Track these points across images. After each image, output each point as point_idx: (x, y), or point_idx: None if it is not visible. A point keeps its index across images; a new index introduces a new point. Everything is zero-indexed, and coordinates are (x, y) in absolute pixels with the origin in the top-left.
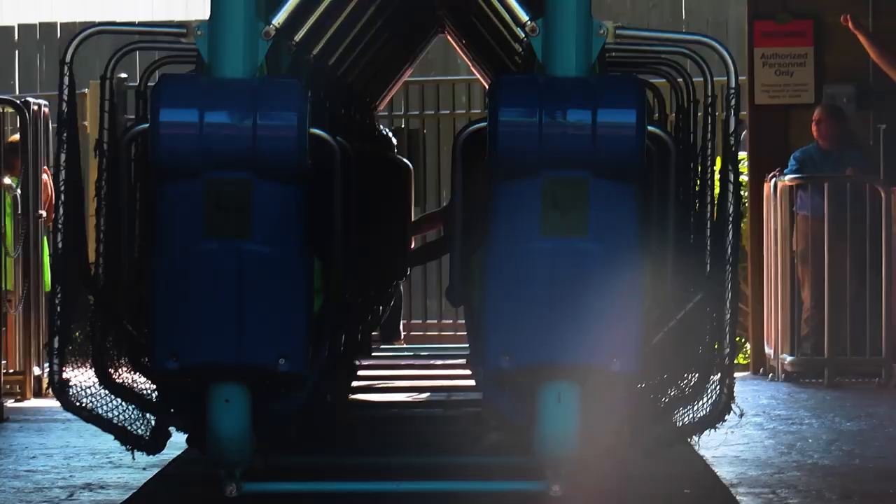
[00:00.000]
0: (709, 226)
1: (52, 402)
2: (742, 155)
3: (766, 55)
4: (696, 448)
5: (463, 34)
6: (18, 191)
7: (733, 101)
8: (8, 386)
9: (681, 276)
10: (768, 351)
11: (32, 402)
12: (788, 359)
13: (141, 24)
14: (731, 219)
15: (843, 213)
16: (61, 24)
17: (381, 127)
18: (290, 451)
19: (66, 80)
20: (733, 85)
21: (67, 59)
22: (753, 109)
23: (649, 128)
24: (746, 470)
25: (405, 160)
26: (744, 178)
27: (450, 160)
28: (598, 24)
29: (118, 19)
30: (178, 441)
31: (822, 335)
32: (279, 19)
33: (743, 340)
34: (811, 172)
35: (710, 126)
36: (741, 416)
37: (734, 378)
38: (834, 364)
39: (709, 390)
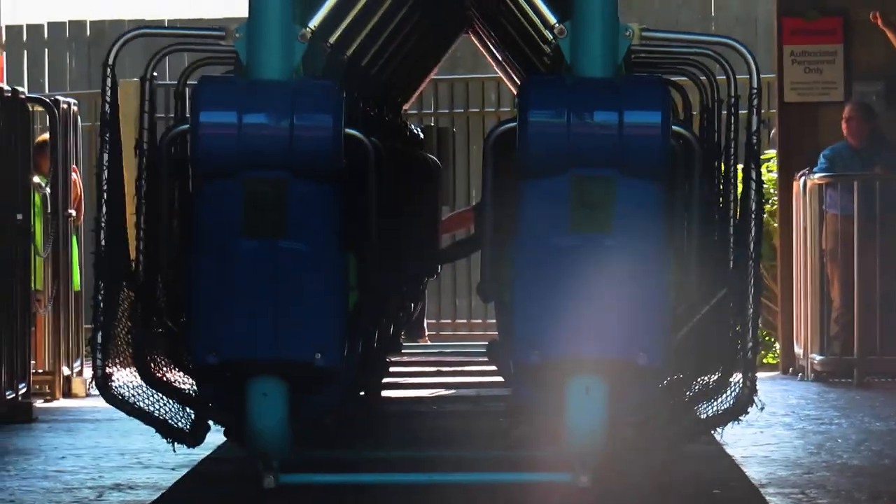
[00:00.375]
0: (732, 223)
1: (82, 403)
2: (771, 153)
3: (795, 52)
4: (726, 448)
5: (491, 33)
6: (48, 190)
7: (755, 101)
8: (37, 386)
9: (705, 273)
10: (798, 350)
11: (62, 403)
12: (818, 358)
13: (180, 26)
14: (753, 216)
15: (873, 212)
16: (91, 22)
17: (410, 125)
18: (326, 444)
19: (109, 81)
20: (755, 85)
21: (110, 61)
22: (783, 107)
23: (674, 127)
24: (776, 470)
25: (434, 158)
26: (773, 175)
27: (479, 158)
28: (623, 27)
29: (147, 17)
30: (208, 441)
31: (852, 334)
32: (315, 22)
33: (772, 340)
34: (841, 171)
35: (733, 125)
36: (762, 409)
37: (756, 372)
38: (863, 363)
39: (732, 384)
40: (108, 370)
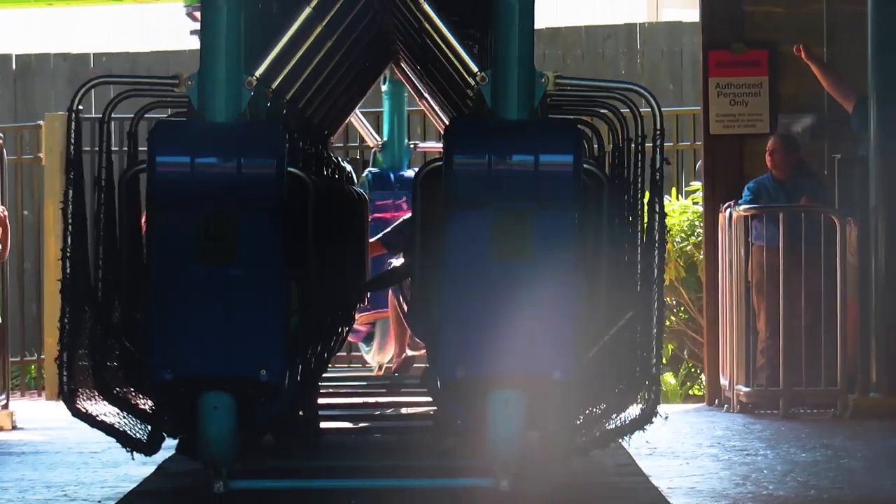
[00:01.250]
0: (639, 250)
1: (8, 436)
2: (697, 185)
3: (720, 85)
4: (651, 479)
5: (416, 67)
6: None
7: (658, 140)
8: None
9: (615, 295)
10: (723, 382)
11: None
12: (744, 390)
13: (136, 75)
14: (657, 244)
15: (798, 243)
16: (16, 55)
17: (338, 158)
18: (268, 455)
19: (73, 125)
20: (659, 126)
21: (74, 106)
22: (708, 139)
23: (585, 165)
24: (702, 501)
25: (361, 191)
26: (698, 208)
27: None
28: (539, 74)
29: (72, 51)
30: (134, 474)
31: (778, 366)
32: (260, 71)
33: (698, 371)
34: (765, 202)
35: (640, 161)
36: (666, 419)
37: (660, 385)
38: (789, 395)
39: (639, 398)
40: (72, 387)
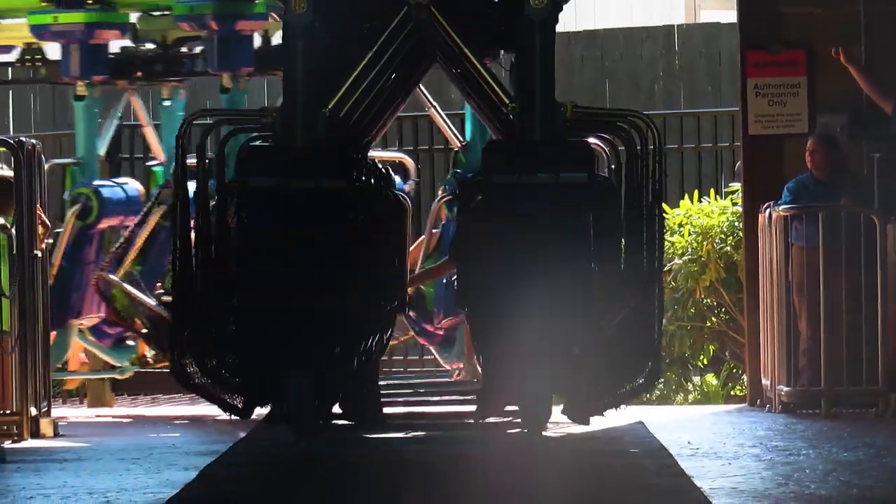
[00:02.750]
0: (646, 249)
1: (50, 443)
2: (735, 186)
3: (759, 85)
4: (694, 480)
5: (453, 71)
6: (13, 230)
7: (658, 157)
8: (5, 427)
9: (627, 284)
10: (765, 382)
11: (30, 443)
12: (785, 390)
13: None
14: (657, 242)
15: (838, 243)
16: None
17: (378, 162)
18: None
19: (180, 151)
20: (659, 145)
21: (181, 139)
22: (747, 139)
23: (599, 176)
24: (744, 501)
25: (403, 194)
26: (738, 208)
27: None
28: (560, 104)
29: None
30: (175, 479)
31: (819, 366)
32: (331, 105)
33: (739, 372)
34: (805, 202)
35: (644, 172)
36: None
37: (661, 360)
38: (831, 394)
39: (645, 370)
40: (183, 362)
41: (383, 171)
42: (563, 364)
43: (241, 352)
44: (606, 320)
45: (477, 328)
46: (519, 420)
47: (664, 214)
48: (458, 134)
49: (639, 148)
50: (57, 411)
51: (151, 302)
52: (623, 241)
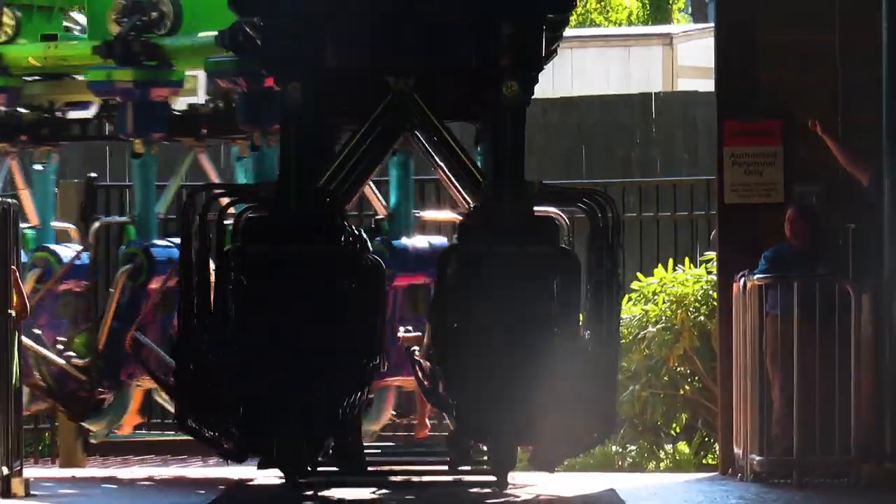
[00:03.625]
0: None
1: (21, 503)
2: (711, 254)
3: (735, 154)
4: None
5: (427, 147)
6: None
7: (618, 231)
8: None
9: (587, 346)
10: (737, 451)
11: (0, 503)
12: (757, 459)
13: (230, 184)
14: (615, 307)
15: (813, 313)
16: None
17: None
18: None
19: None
20: (617, 219)
21: (185, 208)
22: (723, 208)
23: (563, 247)
24: None
25: (377, 258)
26: (712, 277)
27: None
28: (528, 183)
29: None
30: None
31: (792, 435)
32: (323, 181)
33: (711, 440)
34: (783, 272)
35: (606, 243)
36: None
37: (615, 416)
38: (803, 464)
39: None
40: (185, 413)
41: (360, 235)
42: (529, 415)
43: (237, 404)
44: (567, 376)
45: (451, 383)
46: (487, 467)
47: (638, 281)
48: (382, 200)
49: (600, 221)
50: (28, 471)
51: (57, 359)
52: (585, 305)
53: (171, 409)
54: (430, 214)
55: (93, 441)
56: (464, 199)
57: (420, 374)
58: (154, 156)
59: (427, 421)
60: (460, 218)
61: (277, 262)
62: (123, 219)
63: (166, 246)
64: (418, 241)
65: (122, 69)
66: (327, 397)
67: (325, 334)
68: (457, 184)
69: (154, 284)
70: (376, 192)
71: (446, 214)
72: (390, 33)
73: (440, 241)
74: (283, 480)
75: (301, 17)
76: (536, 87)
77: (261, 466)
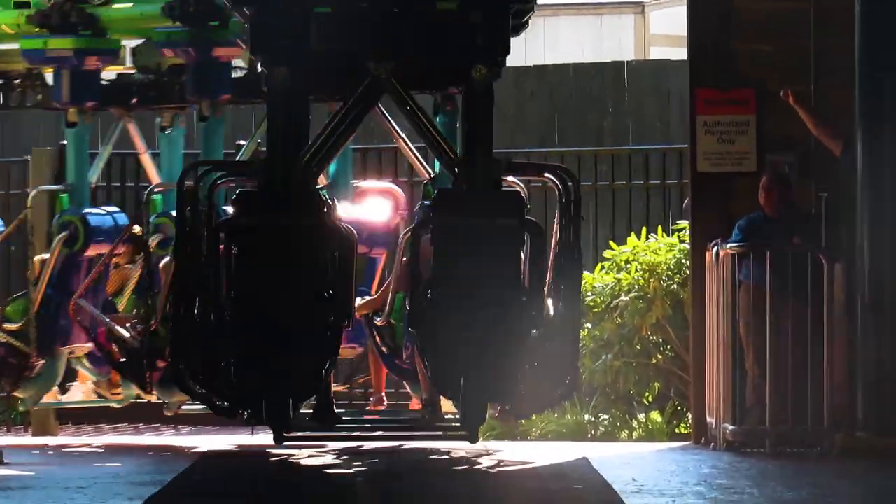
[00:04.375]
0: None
1: None
2: (683, 223)
3: (708, 123)
4: None
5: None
6: None
7: (577, 202)
8: None
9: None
10: (710, 420)
11: None
12: (730, 428)
13: (225, 161)
14: (574, 273)
15: (786, 282)
16: None
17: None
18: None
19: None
20: (577, 192)
21: (180, 181)
22: (696, 177)
23: (527, 218)
24: None
25: (349, 226)
26: (685, 246)
27: None
28: (496, 161)
29: None
30: None
31: (766, 404)
32: (307, 156)
33: (684, 409)
34: (758, 241)
35: (568, 214)
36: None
37: (578, 374)
38: (776, 433)
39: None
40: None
41: (331, 202)
42: (497, 374)
43: (229, 363)
44: (533, 338)
45: (425, 345)
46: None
47: (611, 250)
48: (426, 166)
49: (570, 192)
50: (1, 440)
51: None
52: (548, 272)
53: (93, 378)
54: (367, 184)
55: (21, 409)
56: (424, 168)
57: (379, 341)
58: (88, 125)
59: (384, 395)
60: (424, 181)
61: (263, 232)
62: (58, 187)
63: (101, 214)
64: (356, 212)
65: (60, 38)
66: (310, 360)
67: (307, 299)
68: (417, 154)
69: (90, 252)
70: (419, 156)
71: (383, 184)
72: (371, 24)
73: (380, 210)
74: (270, 439)
75: (290, 8)
76: (509, 56)
77: (248, 423)
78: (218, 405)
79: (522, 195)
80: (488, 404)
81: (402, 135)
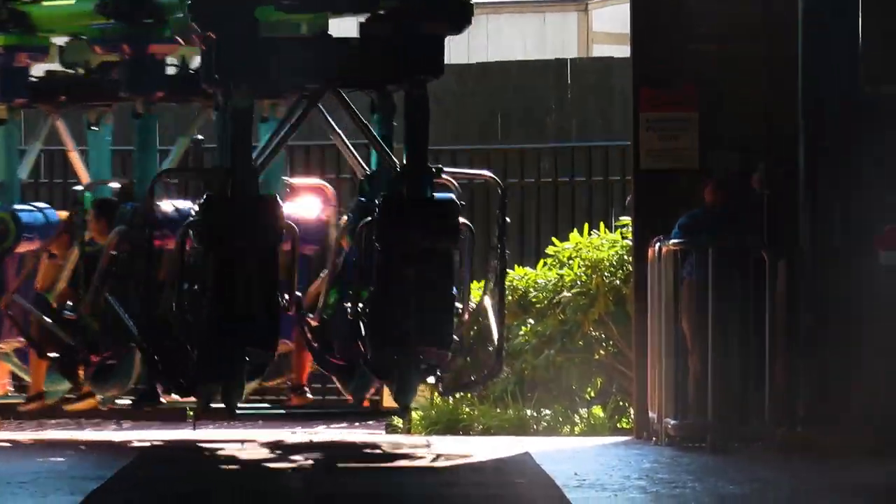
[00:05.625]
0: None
1: None
2: (626, 219)
3: (650, 120)
4: None
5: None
6: None
7: (505, 205)
8: None
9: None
10: (652, 415)
11: None
12: (672, 423)
13: (188, 168)
14: (503, 271)
15: (728, 279)
16: None
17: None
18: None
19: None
20: (504, 195)
21: (150, 188)
22: (638, 174)
23: (462, 220)
24: None
25: (291, 224)
26: (628, 242)
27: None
28: (430, 168)
29: None
30: None
31: (707, 399)
32: (259, 161)
33: (626, 405)
34: (699, 238)
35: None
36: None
37: (503, 356)
38: (717, 428)
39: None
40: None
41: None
42: (428, 355)
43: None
44: (460, 325)
45: (369, 330)
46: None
47: (553, 246)
48: (363, 163)
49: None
50: None
51: None
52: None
53: (24, 375)
54: (298, 181)
55: None
56: (361, 165)
57: (310, 336)
58: (17, 122)
59: (306, 389)
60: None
61: (220, 232)
62: None
63: (31, 211)
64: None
65: None
66: (258, 349)
67: (260, 293)
68: (355, 152)
69: (21, 248)
70: (355, 153)
71: (314, 181)
72: (315, 49)
73: (311, 207)
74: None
75: (249, 38)
76: (452, 54)
77: (204, 400)
78: (179, 383)
79: (457, 202)
80: (418, 384)
81: (341, 133)
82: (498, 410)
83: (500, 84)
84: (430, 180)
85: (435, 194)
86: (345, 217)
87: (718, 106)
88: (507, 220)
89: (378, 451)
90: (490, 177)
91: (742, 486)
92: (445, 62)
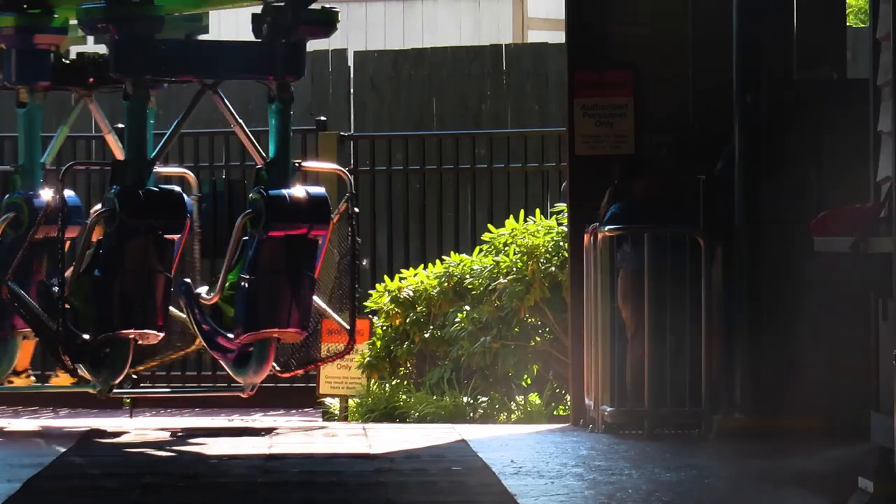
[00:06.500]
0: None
1: None
2: (561, 206)
3: (586, 106)
4: (517, 498)
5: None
6: None
7: (353, 197)
8: None
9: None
10: (588, 402)
11: None
12: (608, 410)
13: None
14: (354, 249)
15: (664, 265)
16: None
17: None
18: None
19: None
20: (352, 188)
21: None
22: (574, 160)
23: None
24: None
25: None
26: (563, 228)
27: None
28: (293, 164)
29: None
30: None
31: (643, 387)
32: (153, 155)
33: (563, 392)
34: (634, 224)
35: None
36: (353, 350)
37: (354, 333)
38: (653, 415)
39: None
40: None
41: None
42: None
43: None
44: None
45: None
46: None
47: (489, 233)
48: (261, 151)
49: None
50: None
51: None
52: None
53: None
54: (311, 164)
55: None
56: (259, 153)
57: (199, 315)
58: (39, 105)
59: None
60: (339, 169)
61: (131, 222)
62: (7, 167)
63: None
64: (297, 192)
65: (3, 15)
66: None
67: (159, 277)
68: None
69: (38, 235)
70: (255, 142)
71: (329, 165)
72: (202, 51)
73: (318, 190)
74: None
75: (148, 36)
76: (388, 39)
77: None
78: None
79: (327, 198)
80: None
81: (240, 121)
82: (434, 398)
83: (435, 70)
84: (293, 173)
85: (308, 187)
86: (97, 206)
87: (654, 90)
88: (357, 210)
89: (313, 439)
90: (340, 170)
91: (678, 473)
92: (381, 48)
